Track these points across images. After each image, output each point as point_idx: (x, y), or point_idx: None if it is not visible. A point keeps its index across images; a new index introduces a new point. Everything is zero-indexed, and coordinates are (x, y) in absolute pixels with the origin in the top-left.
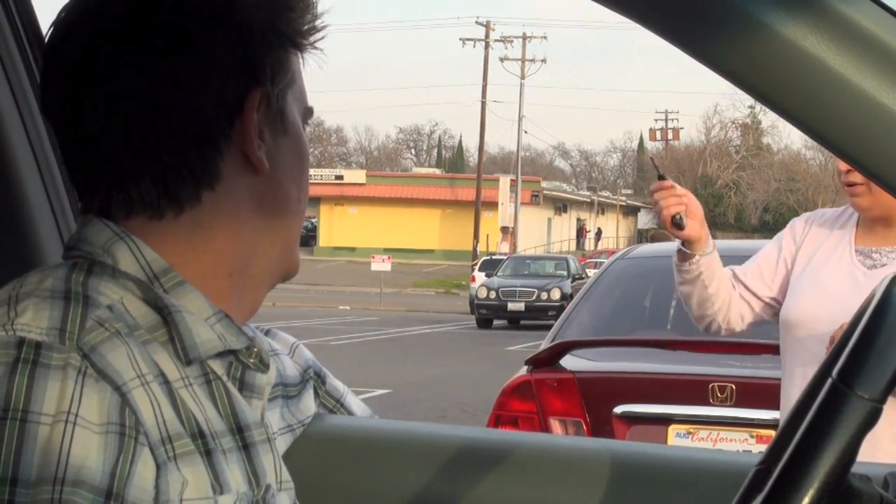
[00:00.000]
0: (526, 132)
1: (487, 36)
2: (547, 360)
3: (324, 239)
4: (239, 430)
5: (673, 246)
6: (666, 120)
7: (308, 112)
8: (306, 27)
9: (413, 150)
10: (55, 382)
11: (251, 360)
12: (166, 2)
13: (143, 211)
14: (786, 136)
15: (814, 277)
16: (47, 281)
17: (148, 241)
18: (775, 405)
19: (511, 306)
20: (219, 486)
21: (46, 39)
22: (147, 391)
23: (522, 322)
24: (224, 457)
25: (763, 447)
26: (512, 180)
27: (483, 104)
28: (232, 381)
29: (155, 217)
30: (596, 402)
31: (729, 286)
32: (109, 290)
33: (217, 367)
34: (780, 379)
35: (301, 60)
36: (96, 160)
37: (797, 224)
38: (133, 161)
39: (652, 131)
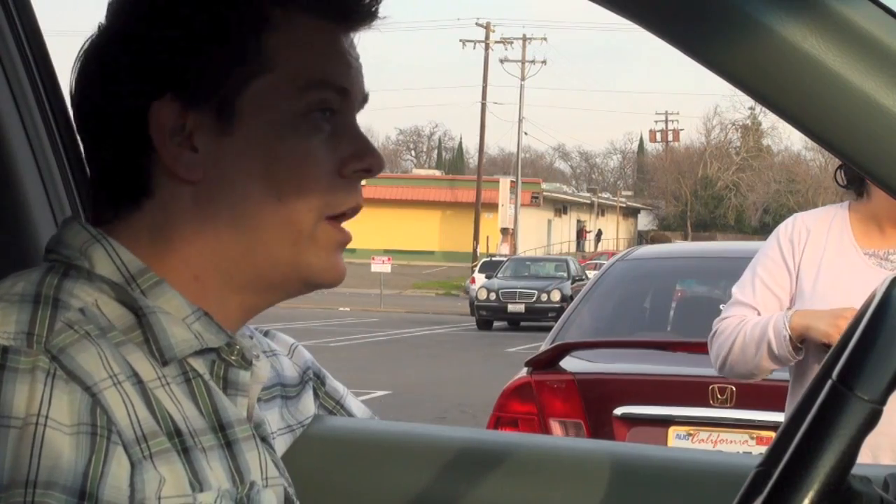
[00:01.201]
0: (526, 134)
1: (487, 37)
2: (547, 362)
3: None
4: (221, 427)
5: (673, 248)
6: (666, 121)
7: (312, 86)
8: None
9: (413, 152)
10: (23, 385)
11: (233, 358)
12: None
13: (103, 214)
14: (786, 138)
15: (833, 287)
16: (18, 285)
17: (122, 242)
18: (775, 407)
19: (511, 308)
20: (198, 483)
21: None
22: (119, 391)
23: (522, 323)
24: (204, 454)
25: (763, 449)
26: (512, 182)
27: (483, 106)
28: (215, 380)
29: (115, 220)
30: (596, 403)
31: None
32: (83, 293)
33: (198, 365)
34: (779, 380)
35: (298, 31)
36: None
37: (796, 231)
38: (86, 165)
39: (652, 133)
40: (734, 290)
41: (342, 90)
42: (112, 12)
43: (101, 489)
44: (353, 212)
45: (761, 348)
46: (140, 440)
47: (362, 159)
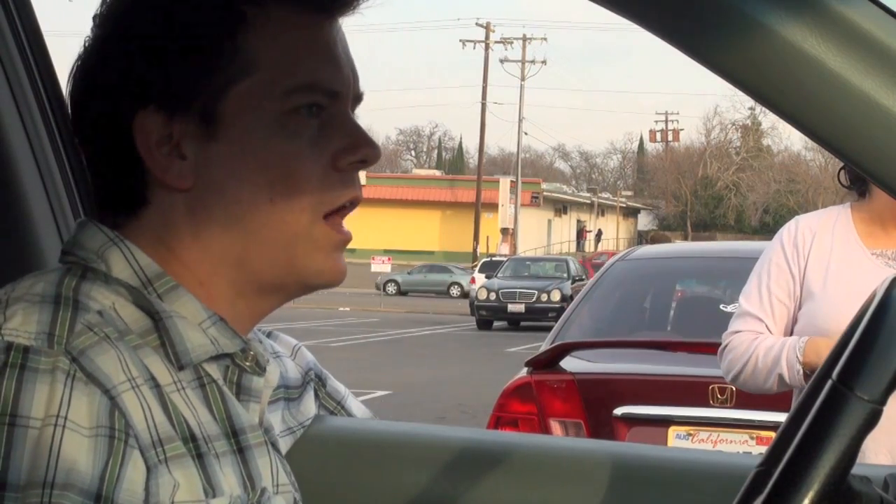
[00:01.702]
0: (526, 133)
1: (487, 37)
2: (547, 362)
3: None
4: (234, 433)
5: (673, 248)
6: (666, 121)
7: (300, 90)
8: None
9: (413, 152)
10: (44, 386)
11: (247, 364)
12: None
13: (106, 222)
14: (786, 138)
15: (843, 288)
16: (38, 285)
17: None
18: (775, 407)
19: (511, 308)
20: (211, 489)
21: None
22: (137, 394)
23: (522, 323)
24: (217, 460)
25: (763, 448)
26: (512, 182)
27: (483, 105)
28: (228, 385)
29: (116, 228)
30: (596, 403)
31: None
32: (101, 296)
33: (213, 370)
34: None
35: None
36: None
37: (800, 234)
38: (91, 175)
39: (652, 133)
40: (741, 299)
41: (332, 93)
42: (94, 27)
43: (116, 493)
44: (352, 205)
45: (773, 375)
46: (156, 444)
47: (356, 151)
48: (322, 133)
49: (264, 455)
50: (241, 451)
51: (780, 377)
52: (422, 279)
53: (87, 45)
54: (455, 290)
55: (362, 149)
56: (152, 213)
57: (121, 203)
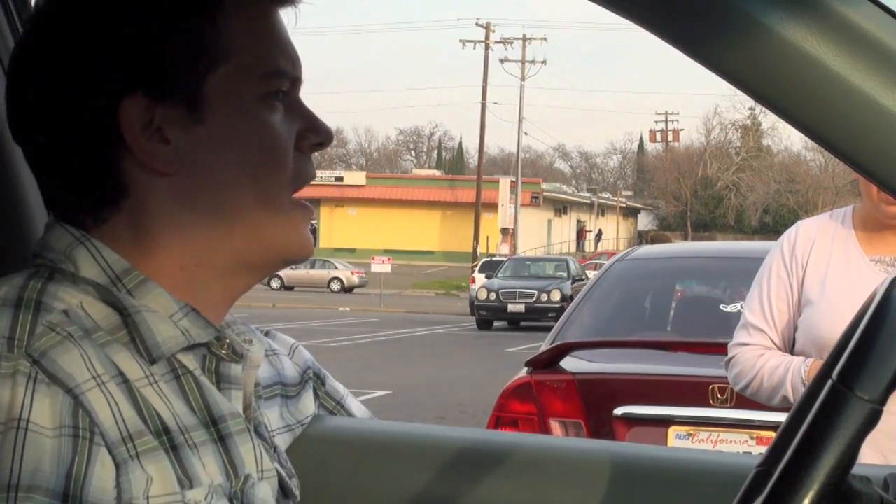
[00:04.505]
0: (526, 134)
1: (487, 37)
2: (547, 362)
3: (324, 240)
4: (213, 422)
5: (673, 248)
6: (666, 121)
7: (270, 76)
8: None
9: (413, 152)
10: (4, 391)
11: (223, 352)
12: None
13: (81, 220)
14: (786, 138)
15: (842, 294)
16: (1, 290)
17: (105, 243)
18: (775, 407)
19: (511, 308)
20: (187, 480)
21: None
22: (103, 392)
23: (522, 323)
24: (196, 451)
25: (763, 448)
26: (512, 182)
27: (483, 106)
28: (208, 375)
29: (95, 224)
30: (596, 403)
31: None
32: (68, 296)
33: (188, 361)
34: None
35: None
36: (37, 168)
37: (799, 241)
38: (49, 173)
39: (652, 133)
40: (745, 310)
41: (294, 79)
42: (49, 16)
43: (84, 491)
44: (306, 184)
45: (778, 394)
46: (126, 440)
47: (317, 133)
48: (286, 115)
49: (247, 442)
50: (221, 440)
51: (785, 398)
52: (303, 275)
53: (40, 36)
54: (335, 286)
55: (321, 131)
56: (133, 203)
57: (99, 196)
